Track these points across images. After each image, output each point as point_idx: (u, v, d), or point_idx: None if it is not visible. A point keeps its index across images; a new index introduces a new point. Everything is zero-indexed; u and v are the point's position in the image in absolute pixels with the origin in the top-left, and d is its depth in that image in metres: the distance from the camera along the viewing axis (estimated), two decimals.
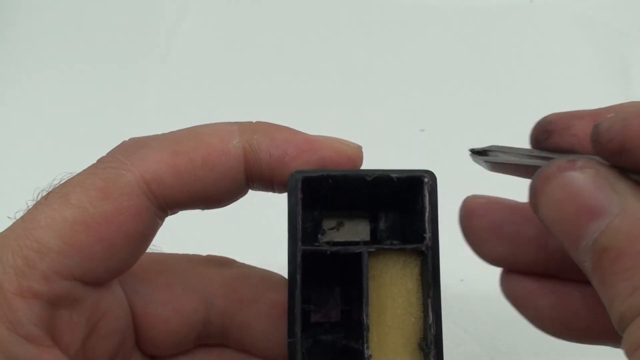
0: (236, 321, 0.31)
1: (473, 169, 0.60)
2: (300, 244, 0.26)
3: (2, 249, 0.24)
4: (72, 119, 0.62)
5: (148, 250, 0.28)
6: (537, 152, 0.26)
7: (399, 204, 0.29)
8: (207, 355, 0.32)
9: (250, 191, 0.29)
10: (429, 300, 0.26)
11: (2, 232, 0.25)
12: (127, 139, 0.28)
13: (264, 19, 0.70)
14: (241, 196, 0.29)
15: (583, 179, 0.23)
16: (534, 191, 0.24)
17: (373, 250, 0.26)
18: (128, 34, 0.68)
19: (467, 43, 0.69)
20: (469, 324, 0.51)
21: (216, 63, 0.67)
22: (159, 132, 0.28)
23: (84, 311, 0.26)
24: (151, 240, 0.28)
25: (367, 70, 0.67)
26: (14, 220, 0.26)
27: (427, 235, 0.26)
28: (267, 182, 0.28)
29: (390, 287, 0.27)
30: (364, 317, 0.25)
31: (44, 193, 0.26)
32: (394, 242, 0.28)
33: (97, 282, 0.27)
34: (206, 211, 0.29)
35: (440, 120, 0.63)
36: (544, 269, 0.29)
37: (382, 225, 0.30)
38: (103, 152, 0.27)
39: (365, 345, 0.25)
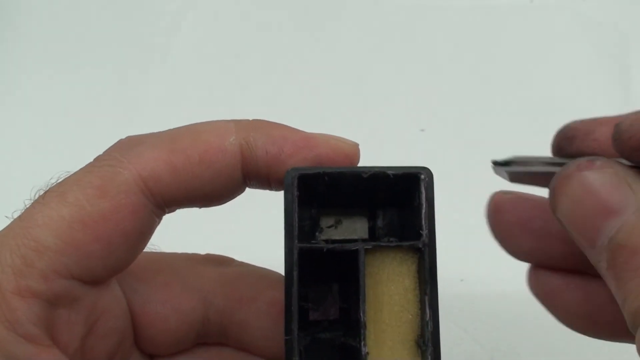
0: (235, 320, 0.31)
1: (473, 169, 0.61)
2: (296, 241, 0.26)
3: (0, 248, 0.24)
4: (69, 118, 0.62)
5: (146, 250, 0.28)
6: (558, 160, 0.26)
7: (397, 201, 0.29)
8: (206, 353, 0.32)
9: (247, 189, 0.29)
10: (426, 298, 0.26)
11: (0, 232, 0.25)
12: (123, 137, 0.28)
13: (264, 18, 0.70)
14: (238, 194, 0.29)
15: (601, 177, 0.23)
16: (553, 191, 0.24)
17: (370, 247, 0.26)
18: (126, 33, 0.68)
19: (467, 43, 0.69)
20: (469, 324, 0.51)
21: (215, 61, 0.67)
22: (156, 131, 0.28)
23: (83, 310, 0.26)
24: (149, 238, 0.28)
25: (367, 70, 0.67)
26: (12, 220, 0.26)
27: (424, 232, 0.26)
28: (264, 179, 0.28)
29: (387, 284, 0.27)
30: (361, 314, 0.25)
31: (41, 192, 0.26)
32: (391, 239, 0.28)
33: (95, 280, 0.27)
34: (204, 210, 0.29)
35: (440, 120, 0.63)
36: (572, 264, 0.29)
37: (380, 222, 0.30)
38: (100, 151, 0.27)
39: (363, 343, 0.25)
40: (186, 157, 0.26)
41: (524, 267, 0.55)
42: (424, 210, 0.26)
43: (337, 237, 0.29)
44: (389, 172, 0.26)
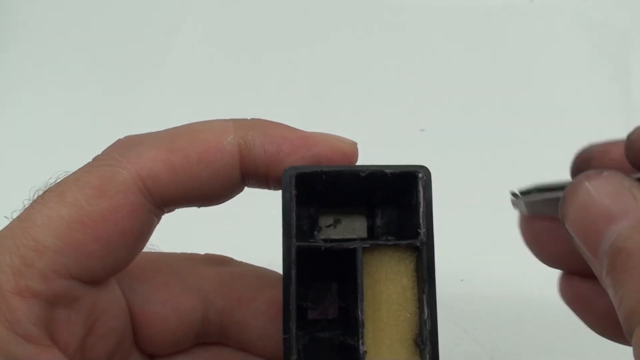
0: (234, 319, 0.31)
1: (473, 169, 0.61)
2: (294, 240, 0.26)
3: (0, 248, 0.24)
4: (67, 119, 0.63)
5: (145, 249, 0.28)
6: None
7: (395, 200, 0.29)
8: (205, 353, 0.32)
9: (246, 189, 0.29)
10: (424, 296, 0.26)
11: None
12: (122, 137, 0.28)
13: (263, 18, 0.70)
14: (237, 193, 0.29)
15: (606, 186, 0.23)
16: (563, 200, 0.25)
17: (367, 246, 0.26)
18: (125, 34, 0.68)
19: (467, 43, 0.69)
20: (469, 324, 0.51)
21: (214, 61, 0.67)
22: (155, 130, 0.28)
23: (82, 310, 0.26)
24: (148, 238, 0.28)
25: (367, 70, 0.67)
26: (11, 220, 0.26)
27: (422, 230, 0.26)
28: (262, 178, 0.28)
29: (385, 283, 0.27)
30: (359, 312, 0.25)
31: (40, 192, 0.26)
32: (390, 238, 0.28)
33: (94, 280, 0.27)
34: (203, 209, 0.29)
35: (440, 120, 0.63)
36: None
37: (379, 222, 0.30)
38: (98, 151, 0.27)
39: (361, 341, 0.25)
40: (185, 157, 0.26)
41: (523, 267, 0.55)
42: (421, 209, 0.26)
43: (335, 237, 0.29)
44: (387, 170, 0.26)
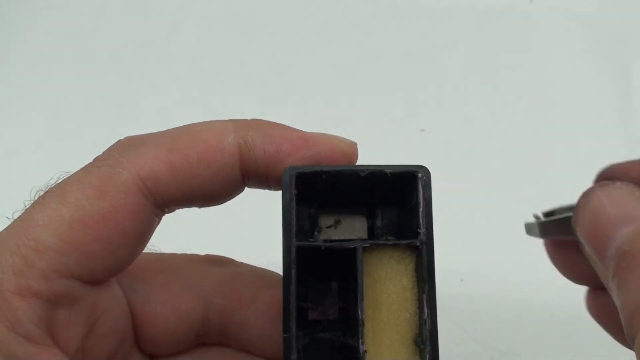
0: (235, 319, 0.31)
1: (473, 169, 0.61)
2: (294, 239, 0.26)
3: (1, 248, 0.24)
4: (68, 119, 0.63)
5: (146, 250, 0.29)
6: None
7: (395, 200, 0.29)
8: (206, 354, 0.32)
9: (246, 189, 0.29)
10: (424, 296, 0.26)
11: (0, 232, 0.25)
12: (122, 137, 0.28)
13: (263, 17, 0.70)
14: (237, 194, 0.29)
15: (617, 193, 0.24)
16: (575, 209, 0.26)
17: (367, 245, 0.26)
18: (126, 34, 0.68)
19: (467, 43, 0.69)
20: (469, 324, 0.52)
21: (214, 62, 0.67)
22: (155, 131, 0.28)
23: (83, 310, 0.26)
24: (149, 238, 0.28)
25: (367, 71, 0.67)
26: (12, 220, 0.26)
27: (422, 230, 0.26)
28: (263, 178, 0.28)
29: (385, 282, 0.27)
30: (359, 312, 0.25)
31: (41, 192, 0.26)
32: (389, 238, 0.28)
33: (95, 280, 0.27)
34: (203, 210, 0.29)
35: (440, 120, 0.63)
36: None
37: (379, 222, 0.30)
38: (99, 152, 0.27)
39: (361, 341, 0.25)
40: (185, 157, 0.26)
41: (523, 267, 0.55)
42: (421, 209, 0.26)
43: (336, 237, 0.30)
44: (387, 170, 0.26)
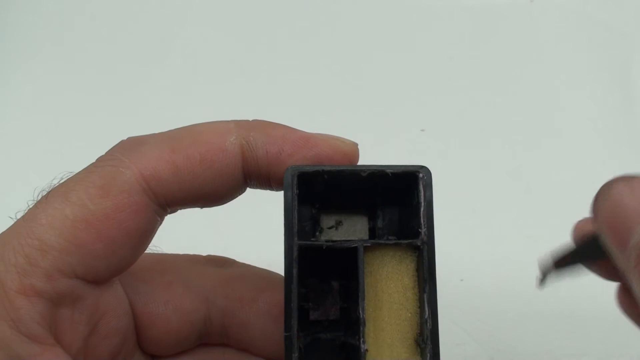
0: (236, 320, 0.31)
1: (473, 169, 0.61)
2: (296, 238, 0.26)
3: (4, 247, 0.24)
4: (70, 120, 0.63)
5: (148, 251, 0.29)
6: None
7: (396, 200, 0.29)
8: (207, 354, 0.32)
9: (248, 190, 0.29)
10: (425, 296, 0.26)
11: (4, 232, 0.25)
12: (124, 138, 0.28)
13: (264, 18, 0.70)
14: (239, 194, 0.29)
15: (639, 186, 0.24)
16: (595, 198, 0.26)
17: (369, 244, 0.26)
18: (128, 34, 0.69)
19: (467, 43, 0.69)
20: (469, 324, 0.52)
21: (215, 63, 0.67)
22: (158, 131, 0.28)
23: (86, 310, 0.27)
24: (151, 238, 0.28)
25: (367, 71, 0.67)
26: (15, 220, 0.26)
27: (423, 230, 0.26)
28: (265, 179, 0.28)
29: (386, 282, 0.27)
30: (360, 311, 0.25)
31: (44, 192, 0.26)
32: (390, 237, 0.29)
33: (98, 280, 0.27)
34: (205, 211, 0.30)
35: (440, 120, 0.63)
36: None
37: (380, 223, 0.30)
38: (102, 152, 0.27)
39: (362, 340, 0.25)
40: (187, 157, 0.27)
41: (523, 267, 0.55)
42: (422, 209, 0.26)
43: (337, 238, 0.30)
44: (388, 170, 0.27)
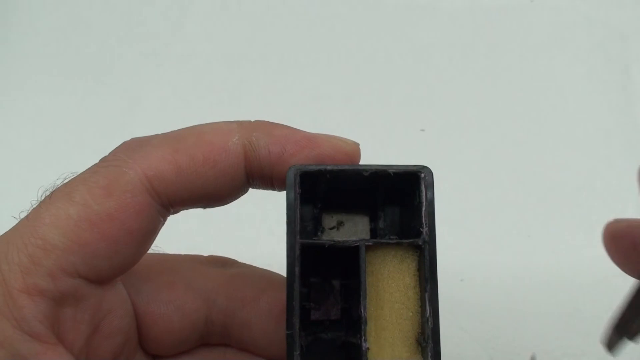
0: (237, 320, 0.31)
1: (473, 169, 0.61)
2: (298, 236, 0.26)
3: (8, 246, 0.24)
4: (74, 121, 0.63)
5: (150, 251, 0.29)
6: None
7: (397, 201, 0.29)
8: (209, 354, 0.32)
9: (250, 191, 0.29)
10: (427, 295, 0.26)
11: (7, 231, 0.26)
12: (128, 139, 0.28)
13: (264, 18, 0.70)
14: (242, 194, 0.29)
15: None
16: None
17: (371, 244, 0.27)
18: (131, 37, 0.69)
19: (467, 43, 0.69)
20: (469, 324, 0.52)
21: (216, 64, 0.67)
22: (160, 132, 0.28)
23: (88, 309, 0.27)
24: (154, 238, 0.28)
25: (367, 71, 0.67)
26: (19, 220, 0.26)
27: (424, 229, 0.26)
28: (267, 178, 0.28)
29: (388, 281, 0.27)
30: (362, 309, 0.25)
31: (48, 192, 0.26)
32: (392, 237, 0.29)
33: (101, 279, 0.27)
34: (207, 212, 0.30)
35: (440, 120, 0.64)
36: None
37: (381, 224, 0.30)
38: (105, 153, 0.27)
39: (363, 338, 0.25)
40: (190, 157, 0.27)
41: (523, 267, 0.55)
42: (424, 208, 0.26)
43: (339, 239, 0.30)
44: (390, 170, 0.27)
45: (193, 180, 0.27)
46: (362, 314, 0.26)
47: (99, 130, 0.60)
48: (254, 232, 0.52)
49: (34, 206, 0.26)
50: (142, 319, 0.30)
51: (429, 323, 0.26)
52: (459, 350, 0.50)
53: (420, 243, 0.27)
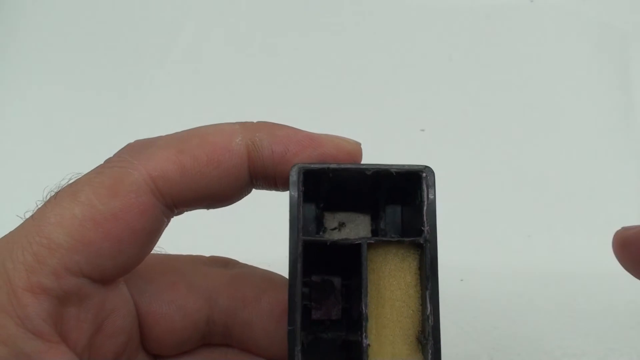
0: (239, 320, 0.31)
1: (473, 169, 0.61)
2: (301, 234, 0.26)
3: (13, 245, 0.25)
4: (79, 123, 0.63)
5: (152, 252, 0.29)
6: None
7: (399, 200, 0.30)
8: (210, 354, 0.32)
9: (253, 192, 0.30)
10: (427, 293, 0.26)
11: (13, 230, 0.26)
12: (132, 140, 0.28)
13: (265, 19, 0.70)
14: (245, 195, 0.29)
15: None
16: None
17: (372, 241, 0.27)
18: (134, 39, 0.69)
19: (467, 43, 0.69)
20: (469, 324, 0.52)
21: (218, 66, 0.67)
22: (164, 134, 0.28)
23: (92, 308, 0.27)
24: (158, 238, 0.28)
25: (367, 71, 0.67)
26: (24, 219, 0.26)
27: (425, 228, 0.27)
28: (270, 178, 0.28)
29: (389, 279, 0.27)
30: (363, 306, 0.26)
31: (53, 192, 0.26)
32: (393, 235, 0.29)
33: (105, 279, 0.27)
34: (210, 212, 0.30)
35: (440, 120, 0.64)
36: None
37: (382, 224, 0.30)
38: (109, 154, 0.28)
39: (364, 335, 0.26)
40: (194, 158, 0.27)
41: (523, 267, 0.55)
42: (425, 207, 0.27)
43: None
44: (392, 169, 0.27)
45: (197, 180, 0.27)
46: (364, 311, 0.26)
47: (104, 132, 0.60)
48: (255, 233, 0.52)
49: (40, 206, 0.26)
50: (145, 319, 0.30)
51: (430, 321, 0.26)
52: (459, 350, 0.51)
53: (421, 241, 0.27)
